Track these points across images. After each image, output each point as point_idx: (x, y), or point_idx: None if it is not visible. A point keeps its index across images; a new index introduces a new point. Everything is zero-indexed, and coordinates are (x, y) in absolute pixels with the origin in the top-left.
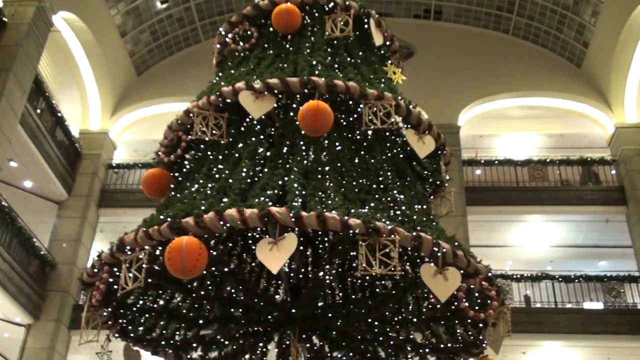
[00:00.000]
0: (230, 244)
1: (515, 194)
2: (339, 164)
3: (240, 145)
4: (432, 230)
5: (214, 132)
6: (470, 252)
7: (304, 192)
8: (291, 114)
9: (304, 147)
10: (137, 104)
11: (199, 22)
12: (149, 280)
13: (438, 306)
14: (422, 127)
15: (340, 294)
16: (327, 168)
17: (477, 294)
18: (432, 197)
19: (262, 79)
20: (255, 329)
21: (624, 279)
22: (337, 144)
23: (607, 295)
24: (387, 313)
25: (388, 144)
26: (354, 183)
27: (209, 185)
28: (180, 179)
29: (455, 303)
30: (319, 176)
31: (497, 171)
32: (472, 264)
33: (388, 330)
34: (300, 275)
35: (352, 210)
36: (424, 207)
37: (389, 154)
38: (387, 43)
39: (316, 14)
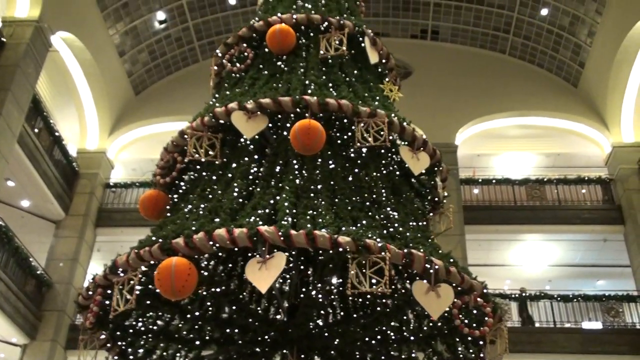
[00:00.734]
0: (230, 265)
1: (513, 213)
2: (331, 182)
3: (234, 165)
4: (426, 247)
5: (208, 153)
6: (465, 269)
7: (294, 211)
8: (285, 133)
9: (296, 166)
10: (135, 123)
11: (197, 42)
12: (147, 302)
13: (439, 324)
14: (417, 144)
15: (338, 313)
16: (319, 186)
17: (474, 311)
18: (431, 214)
19: (255, 98)
20: (254, 349)
21: (622, 299)
22: (330, 161)
23: (606, 315)
24: (386, 331)
25: (383, 161)
26: (347, 200)
27: (202, 205)
28: (176, 200)
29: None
30: (312, 194)
31: (494, 190)
32: (466, 280)
33: (389, 349)
34: (300, 295)
35: (343, 228)
36: (420, 224)
37: (385, 171)
38: (383, 61)
39: (311, 34)
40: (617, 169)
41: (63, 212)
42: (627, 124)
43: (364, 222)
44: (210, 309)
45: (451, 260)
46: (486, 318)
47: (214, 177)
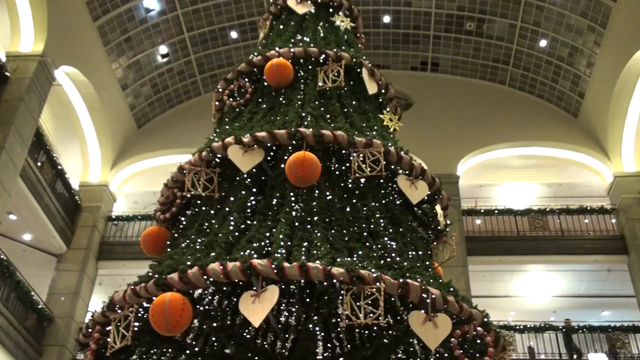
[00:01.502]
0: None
1: (516, 244)
2: (327, 213)
3: (232, 199)
4: (424, 276)
5: (206, 187)
6: (465, 298)
7: (289, 243)
8: (282, 165)
9: (293, 198)
10: (138, 156)
11: (199, 76)
12: (147, 338)
13: (445, 354)
14: (415, 173)
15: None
16: (315, 218)
17: (478, 340)
18: (435, 242)
19: (251, 132)
20: None
21: (628, 330)
22: (327, 193)
23: (612, 346)
24: None
25: (383, 191)
26: (344, 231)
27: (199, 240)
28: (176, 235)
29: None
30: (309, 226)
31: (497, 221)
32: (465, 309)
33: None
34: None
35: (338, 259)
36: (420, 253)
37: (384, 201)
38: (383, 91)
39: (309, 67)
40: (619, 198)
41: (65, 246)
42: (628, 154)
43: (360, 252)
44: (215, 344)
45: (451, 289)
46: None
47: (212, 212)
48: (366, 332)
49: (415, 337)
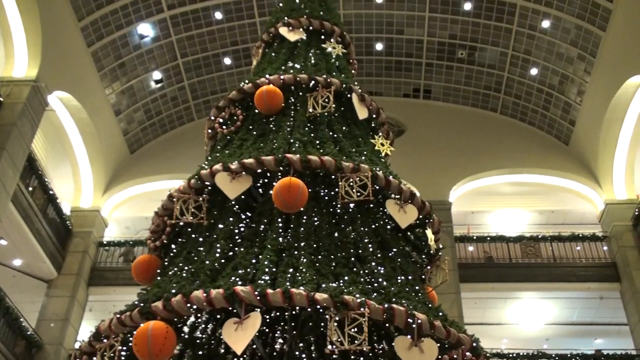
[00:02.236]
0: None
1: (508, 271)
2: (315, 239)
3: (220, 226)
4: (411, 301)
5: (194, 214)
6: (455, 323)
7: (274, 270)
8: (271, 192)
9: (281, 224)
10: (130, 181)
11: (192, 101)
12: None
13: None
14: (404, 197)
15: None
16: (302, 243)
17: None
18: (428, 267)
19: (239, 159)
20: None
21: (621, 358)
22: (315, 218)
23: None
24: None
25: (372, 216)
26: (332, 257)
27: (186, 268)
28: (166, 263)
29: None
30: (295, 252)
31: (489, 247)
32: (452, 334)
33: None
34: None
35: (323, 285)
36: (410, 277)
37: (374, 226)
38: (374, 116)
39: (300, 93)
40: (610, 226)
41: (55, 271)
42: (619, 182)
43: (347, 278)
44: None
45: (440, 314)
46: None
47: (201, 239)
48: (361, 358)
49: None
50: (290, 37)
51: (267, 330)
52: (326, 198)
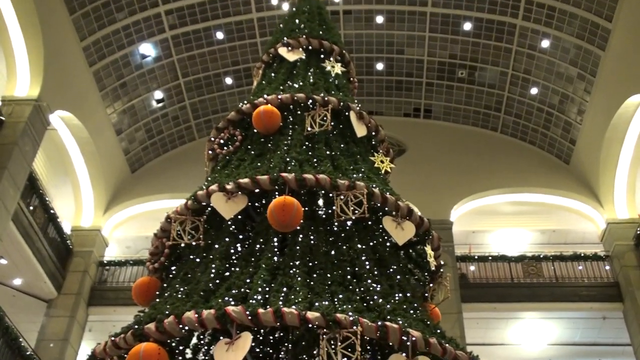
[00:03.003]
0: None
1: (510, 291)
2: (310, 257)
3: (217, 246)
4: (407, 318)
5: (191, 236)
6: (452, 340)
7: (267, 289)
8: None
9: (276, 243)
10: (131, 200)
11: (193, 121)
12: None
13: None
14: (401, 213)
15: None
16: (297, 262)
17: None
18: (430, 284)
19: (234, 179)
20: None
21: None
22: (311, 237)
23: None
24: None
25: (370, 233)
26: (328, 275)
27: (182, 289)
28: (165, 285)
29: None
30: (290, 271)
31: (491, 267)
32: (448, 351)
33: None
34: None
35: (317, 304)
36: (408, 295)
37: (371, 243)
38: (373, 133)
39: (298, 112)
40: (612, 245)
41: (55, 291)
42: (620, 201)
43: (341, 296)
44: None
45: (438, 331)
46: None
47: (197, 260)
48: None
49: None
50: (290, 57)
51: (262, 349)
52: (323, 216)
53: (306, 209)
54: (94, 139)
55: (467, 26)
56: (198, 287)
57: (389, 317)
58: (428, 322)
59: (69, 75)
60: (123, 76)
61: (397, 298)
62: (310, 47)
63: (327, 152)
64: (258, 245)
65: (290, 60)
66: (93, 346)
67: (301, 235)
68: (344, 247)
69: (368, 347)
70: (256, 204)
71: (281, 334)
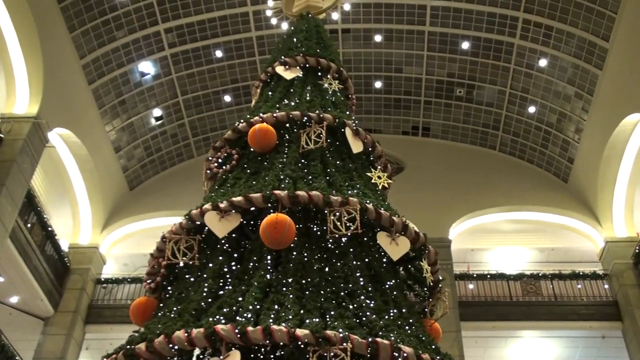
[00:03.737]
0: None
1: (509, 309)
2: (303, 274)
3: (211, 265)
4: (400, 334)
5: (186, 255)
6: (447, 355)
7: (258, 307)
8: None
9: (270, 261)
10: (129, 218)
11: (192, 138)
12: None
13: None
14: (396, 229)
15: None
16: (289, 280)
17: None
18: (429, 299)
19: (228, 198)
20: None
21: None
22: (305, 254)
23: None
24: None
25: (366, 249)
26: (321, 292)
27: (175, 308)
28: (161, 305)
29: None
30: (283, 289)
31: (489, 285)
32: None
33: None
34: None
35: (307, 321)
36: (403, 310)
37: (367, 259)
38: (370, 149)
39: (294, 130)
40: (611, 264)
41: (52, 309)
42: (618, 219)
43: (333, 313)
44: None
45: (433, 346)
46: None
47: (192, 279)
48: None
49: None
50: (287, 75)
51: None
52: (318, 233)
53: (300, 226)
54: (92, 156)
55: (465, 45)
56: (189, 306)
57: (380, 333)
58: (423, 338)
59: (68, 92)
60: (122, 94)
61: (391, 314)
62: (307, 65)
63: (323, 169)
64: (252, 264)
65: (287, 78)
66: None
67: (295, 253)
68: (339, 264)
69: None
70: (252, 222)
71: (282, 353)
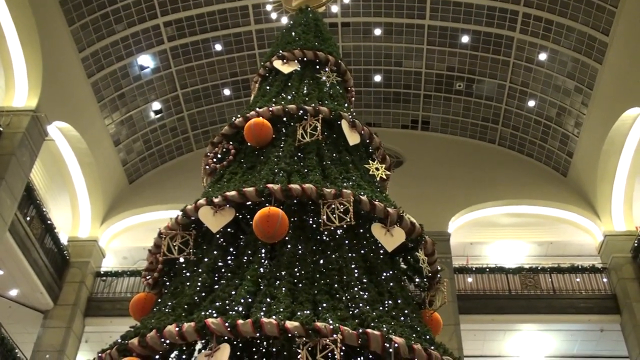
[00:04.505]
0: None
1: (508, 302)
2: (297, 267)
3: (206, 259)
4: (393, 325)
5: (181, 250)
6: (440, 346)
7: (250, 300)
8: None
9: (264, 254)
10: (128, 211)
11: (191, 132)
12: None
13: None
14: (390, 220)
15: None
16: (282, 272)
17: None
18: (428, 290)
19: (222, 192)
20: None
21: None
22: (299, 246)
23: None
24: None
25: (362, 241)
26: (314, 284)
27: (169, 303)
28: (159, 300)
29: None
30: (276, 282)
31: (488, 279)
32: (434, 357)
33: None
34: None
35: (299, 313)
36: (399, 301)
37: (362, 251)
38: (367, 141)
39: (290, 123)
40: (610, 257)
41: (52, 302)
42: (617, 213)
43: (325, 305)
44: None
45: (427, 337)
46: None
47: (188, 274)
48: None
49: None
50: (285, 69)
51: None
52: (313, 226)
53: (295, 219)
54: (91, 149)
55: (465, 39)
56: (183, 300)
57: (372, 324)
58: (418, 329)
59: (67, 86)
60: (121, 87)
61: (386, 305)
62: (305, 59)
63: (318, 162)
64: (246, 257)
65: (285, 72)
66: (89, 357)
67: (289, 245)
68: (333, 256)
69: (361, 358)
70: (247, 217)
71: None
